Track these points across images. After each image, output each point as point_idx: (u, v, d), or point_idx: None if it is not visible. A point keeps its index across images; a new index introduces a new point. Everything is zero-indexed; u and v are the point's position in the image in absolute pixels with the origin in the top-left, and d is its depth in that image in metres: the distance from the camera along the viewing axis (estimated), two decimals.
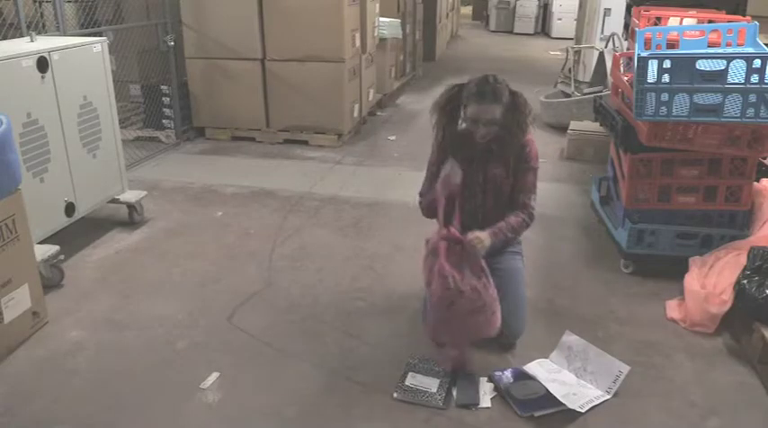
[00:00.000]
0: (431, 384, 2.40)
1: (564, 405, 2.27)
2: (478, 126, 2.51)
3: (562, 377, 2.44)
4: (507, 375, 2.44)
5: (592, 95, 5.37)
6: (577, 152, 5.15)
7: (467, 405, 2.32)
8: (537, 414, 2.27)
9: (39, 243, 3.03)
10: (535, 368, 2.47)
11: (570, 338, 2.55)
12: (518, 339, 2.65)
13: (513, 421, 2.26)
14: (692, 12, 3.83)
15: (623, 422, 2.28)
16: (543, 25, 14.32)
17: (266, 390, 2.41)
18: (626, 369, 2.39)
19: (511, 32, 14.24)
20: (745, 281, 2.66)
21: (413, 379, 2.42)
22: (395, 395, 2.36)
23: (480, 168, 2.62)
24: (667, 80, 2.83)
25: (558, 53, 10.18)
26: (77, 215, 3.44)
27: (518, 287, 2.69)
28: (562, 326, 2.67)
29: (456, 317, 2.33)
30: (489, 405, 2.32)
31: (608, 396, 2.36)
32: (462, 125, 2.60)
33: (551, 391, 2.30)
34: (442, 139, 2.67)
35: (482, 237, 2.43)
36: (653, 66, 2.88)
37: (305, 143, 5.48)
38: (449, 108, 2.65)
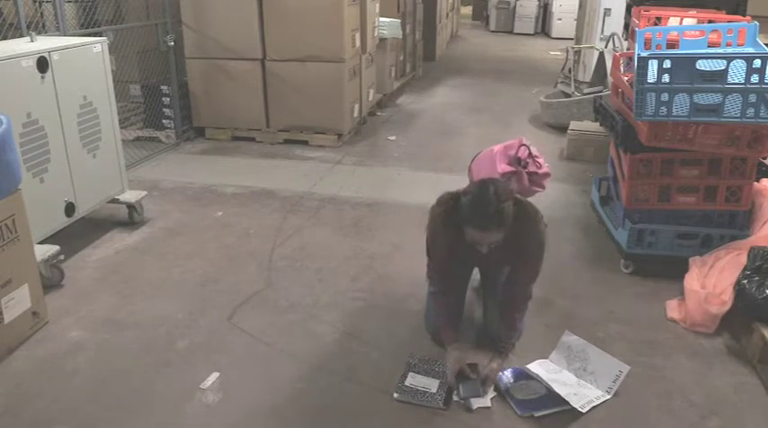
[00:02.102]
0: (431, 384, 2.40)
1: (564, 404, 2.27)
2: (482, 245, 2.28)
3: (562, 377, 2.44)
4: (507, 375, 2.44)
5: (592, 95, 5.37)
6: (577, 152, 5.15)
7: (470, 399, 2.31)
8: (537, 414, 2.27)
9: (39, 243, 3.03)
10: (535, 368, 2.47)
11: (570, 338, 2.55)
12: (517, 341, 2.65)
13: (513, 421, 2.26)
14: (692, 12, 3.83)
15: (623, 422, 2.28)
16: (543, 25, 14.33)
17: (266, 390, 2.40)
18: (626, 368, 2.39)
19: (511, 32, 14.25)
20: (745, 281, 2.66)
21: (413, 380, 2.42)
22: (395, 395, 2.36)
23: (484, 260, 2.48)
24: (667, 80, 2.83)
25: (558, 53, 10.19)
26: (77, 215, 3.44)
27: None
28: (562, 326, 2.67)
29: None
30: (489, 404, 2.32)
31: (608, 396, 2.36)
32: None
33: (555, 390, 2.30)
34: (444, 249, 2.41)
35: (497, 368, 2.42)
36: (653, 66, 2.87)
37: (305, 143, 5.48)
38: (446, 222, 2.33)
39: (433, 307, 2.58)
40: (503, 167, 2.81)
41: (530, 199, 2.87)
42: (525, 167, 2.78)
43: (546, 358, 2.56)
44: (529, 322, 2.73)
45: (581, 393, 2.36)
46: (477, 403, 2.33)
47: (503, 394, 2.36)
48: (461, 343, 2.52)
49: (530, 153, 2.83)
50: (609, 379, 2.39)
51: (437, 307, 2.55)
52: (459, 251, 2.40)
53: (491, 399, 2.34)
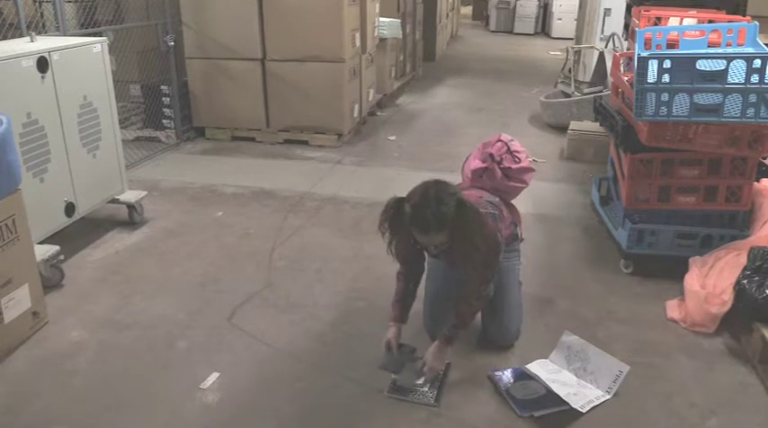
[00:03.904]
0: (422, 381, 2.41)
1: (564, 404, 2.27)
2: (428, 246, 2.36)
3: (562, 377, 2.44)
4: (507, 375, 2.44)
5: (592, 95, 5.37)
6: (577, 152, 5.15)
7: (394, 375, 2.40)
8: (537, 414, 2.27)
9: (39, 243, 3.03)
10: (535, 368, 2.47)
11: (569, 338, 2.55)
12: (516, 341, 2.65)
13: (513, 421, 2.26)
14: (692, 12, 3.84)
15: (623, 422, 2.28)
16: (543, 25, 14.33)
17: (266, 390, 2.41)
18: (626, 368, 2.39)
19: (511, 32, 14.25)
20: (745, 281, 2.66)
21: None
22: (386, 392, 2.37)
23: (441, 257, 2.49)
24: (667, 80, 2.83)
25: (558, 53, 10.19)
26: (77, 215, 3.44)
27: (512, 287, 2.67)
28: (562, 326, 2.67)
29: None
30: (432, 401, 2.34)
31: (608, 396, 2.36)
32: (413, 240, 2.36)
33: (554, 390, 2.30)
34: (396, 248, 2.42)
35: (436, 367, 2.42)
36: (653, 66, 2.87)
37: (305, 143, 5.48)
38: (393, 226, 2.32)
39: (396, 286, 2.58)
40: (475, 163, 2.78)
41: (523, 195, 2.87)
42: (499, 163, 2.73)
43: (546, 358, 2.56)
44: (529, 322, 2.73)
45: (581, 393, 2.36)
46: (403, 381, 2.39)
47: (503, 394, 2.36)
48: (403, 324, 2.52)
49: (508, 148, 2.77)
50: (609, 379, 2.39)
51: (396, 287, 2.55)
52: (416, 247, 2.44)
53: (490, 399, 2.33)
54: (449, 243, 2.27)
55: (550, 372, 2.46)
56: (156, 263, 3.38)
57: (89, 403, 2.33)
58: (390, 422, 2.27)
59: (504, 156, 2.75)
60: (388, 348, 2.45)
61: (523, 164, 2.76)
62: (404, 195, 2.27)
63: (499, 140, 2.80)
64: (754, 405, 2.37)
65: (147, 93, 5.40)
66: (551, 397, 2.31)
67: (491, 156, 2.74)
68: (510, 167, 2.73)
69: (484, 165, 2.74)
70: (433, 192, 2.21)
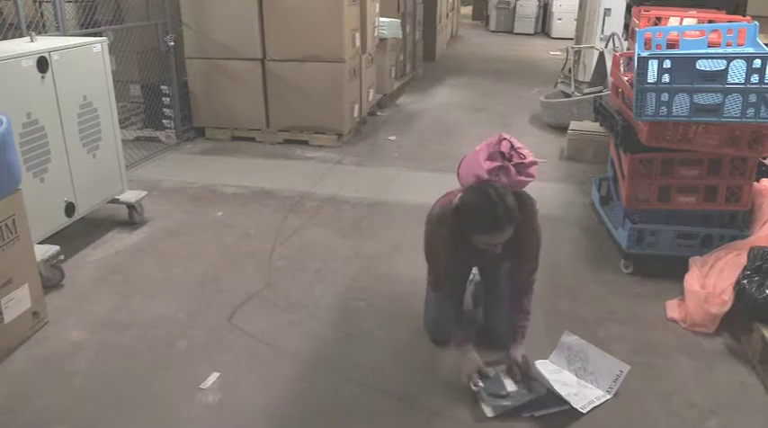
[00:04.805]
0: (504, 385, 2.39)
1: (564, 404, 2.27)
2: (496, 246, 2.30)
3: (562, 377, 2.44)
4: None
5: (592, 95, 5.37)
6: (577, 152, 5.15)
7: (498, 398, 2.32)
8: (537, 414, 2.27)
9: (39, 243, 3.03)
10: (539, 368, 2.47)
11: (570, 338, 2.55)
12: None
13: (513, 421, 2.26)
14: (692, 12, 3.83)
15: (623, 422, 2.28)
16: (543, 25, 14.33)
17: (266, 390, 2.40)
18: (626, 368, 2.39)
19: (511, 32, 14.25)
20: (745, 281, 2.66)
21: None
22: (488, 413, 2.28)
23: (477, 256, 2.49)
24: (667, 80, 2.83)
25: (558, 53, 10.19)
26: (77, 215, 3.44)
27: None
28: (562, 326, 2.67)
29: None
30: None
31: (609, 396, 2.36)
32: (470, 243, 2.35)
33: (556, 390, 2.30)
34: (445, 261, 2.47)
35: (522, 353, 2.44)
36: (653, 66, 2.87)
37: (305, 143, 5.48)
38: (452, 238, 2.37)
39: (439, 313, 2.60)
40: (488, 164, 2.79)
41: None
42: (510, 160, 2.77)
43: (546, 358, 2.56)
44: (529, 322, 2.72)
45: (581, 393, 2.36)
46: (513, 400, 2.31)
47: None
48: (471, 345, 2.50)
49: (512, 145, 2.82)
50: (609, 379, 2.39)
51: (443, 313, 2.56)
52: (459, 256, 2.45)
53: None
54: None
55: (551, 373, 2.46)
56: (156, 263, 3.38)
57: (89, 403, 2.33)
58: (390, 422, 2.27)
59: (512, 154, 2.78)
60: (483, 376, 2.38)
61: (530, 158, 2.81)
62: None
63: (504, 139, 2.82)
64: (754, 405, 2.37)
65: (147, 93, 5.40)
66: (551, 397, 2.31)
67: (501, 153, 2.76)
68: (521, 163, 2.77)
69: (498, 164, 2.77)
70: (492, 191, 2.22)
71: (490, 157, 2.78)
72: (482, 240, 2.27)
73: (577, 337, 2.54)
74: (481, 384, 2.33)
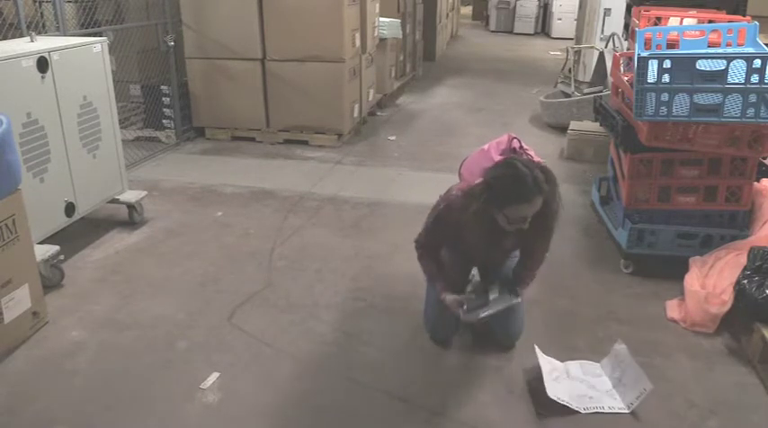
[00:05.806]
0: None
1: (564, 405, 2.27)
2: (525, 220, 2.33)
3: (596, 381, 2.42)
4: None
5: (592, 95, 5.37)
6: (577, 152, 5.15)
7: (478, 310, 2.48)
8: (482, 314, 2.43)
9: (39, 243, 3.03)
10: (574, 366, 2.48)
11: (620, 347, 2.47)
12: (517, 341, 2.65)
13: (513, 421, 2.26)
14: (692, 12, 3.83)
15: (623, 422, 2.27)
16: (543, 25, 14.32)
17: (266, 390, 2.41)
18: (650, 387, 2.28)
19: (511, 32, 14.24)
20: (745, 281, 2.66)
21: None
22: (474, 320, 2.48)
23: (493, 242, 2.53)
24: (667, 80, 2.83)
25: (558, 53, 10.19)
26: (77, 215, 3.44)
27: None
28: (562, 326, 2.68)
29: None
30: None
31: (625, 411, 2.30)
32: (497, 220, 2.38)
33: (552, 391, 2.29)
34: (446, 237, 2.55)
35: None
36: (653, 66, 2.88)
37: (305, 143, 5.48)
38: (481, 215, 2.36)
39: (439, 313, 2.61)
40: (499, 159, 2.81)
41: None
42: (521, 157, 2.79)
43: (549, 355, 2.53)
44: (529, 322, 2.72)
45: (597, 398, 2.34)
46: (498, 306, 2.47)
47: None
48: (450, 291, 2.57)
49: (521, 145, 2.84)
50: (633, 395, 2.32)
51: (427, 264, 2.59)
52: (470, 242, 2.49)
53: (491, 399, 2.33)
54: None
55: (586, 374, 2.46)
56: (156, 263, 3.38)
57: (89, 403, 2.33)
58: (390, 422, 2.27)
59: (521, 153, 2.80)
60: (460, 304, 2.49)
61: (536, 159, 2.82)
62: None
63: (514, 138, 2.85)
64: (754, 405, 2.37)
65: (147, 93, 5.40)
66: (496, 302, 2.48)
67: (514, 150, 2.78)
68: (532, 160, 2.79)
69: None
70: (520, 164, 2.27)
71: (503, 154, 2.80)
72: (513, 213, 2.28)
73: (626, 348, 2.45)
74: (465, 307, 2.47)
